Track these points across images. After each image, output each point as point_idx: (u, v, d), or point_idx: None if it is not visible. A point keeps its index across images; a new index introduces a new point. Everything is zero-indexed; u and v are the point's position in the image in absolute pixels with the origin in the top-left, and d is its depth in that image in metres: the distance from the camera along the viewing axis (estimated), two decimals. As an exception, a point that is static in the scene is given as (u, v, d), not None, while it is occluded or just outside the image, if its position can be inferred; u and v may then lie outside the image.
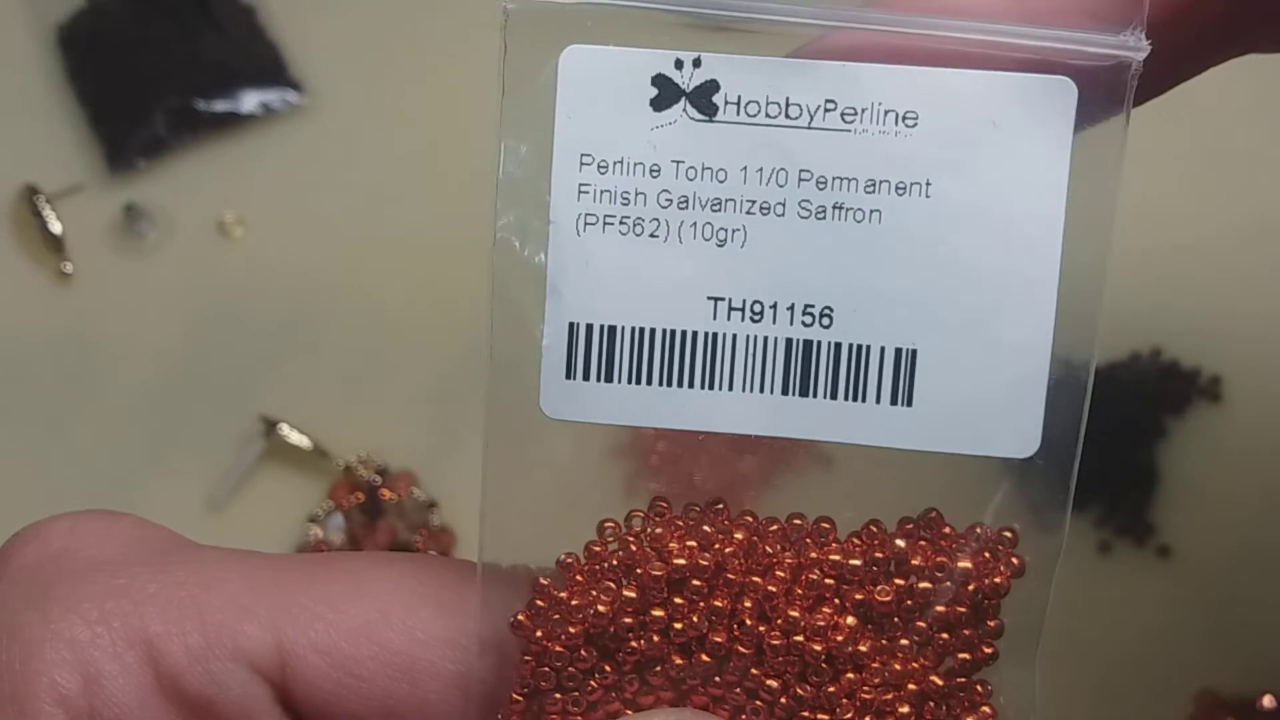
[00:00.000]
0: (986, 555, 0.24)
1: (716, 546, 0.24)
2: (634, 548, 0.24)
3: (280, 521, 0.55)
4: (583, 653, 0.24)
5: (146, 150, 0.60)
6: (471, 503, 0.54)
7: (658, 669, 0.25)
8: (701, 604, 0.24)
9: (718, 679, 0.24)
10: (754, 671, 0.24)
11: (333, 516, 0.55)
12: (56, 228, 0.58)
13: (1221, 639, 0.51)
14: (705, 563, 0.24)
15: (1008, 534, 0.24)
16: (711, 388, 0.24)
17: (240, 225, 0.59)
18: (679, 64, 0.23)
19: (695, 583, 0.24)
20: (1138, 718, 0.51)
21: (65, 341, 0.58)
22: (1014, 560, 0.24)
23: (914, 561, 0.24)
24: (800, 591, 0.24)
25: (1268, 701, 0.49)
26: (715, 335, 0.24)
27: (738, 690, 0.24)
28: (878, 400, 0.24)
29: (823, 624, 0.24)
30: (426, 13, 0.63)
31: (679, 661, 0.24)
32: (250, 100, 0.60)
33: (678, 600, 0.24)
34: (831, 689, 0.24)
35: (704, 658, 0.24)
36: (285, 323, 0.58)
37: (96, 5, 0.62)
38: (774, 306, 0.24)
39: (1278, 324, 0.55)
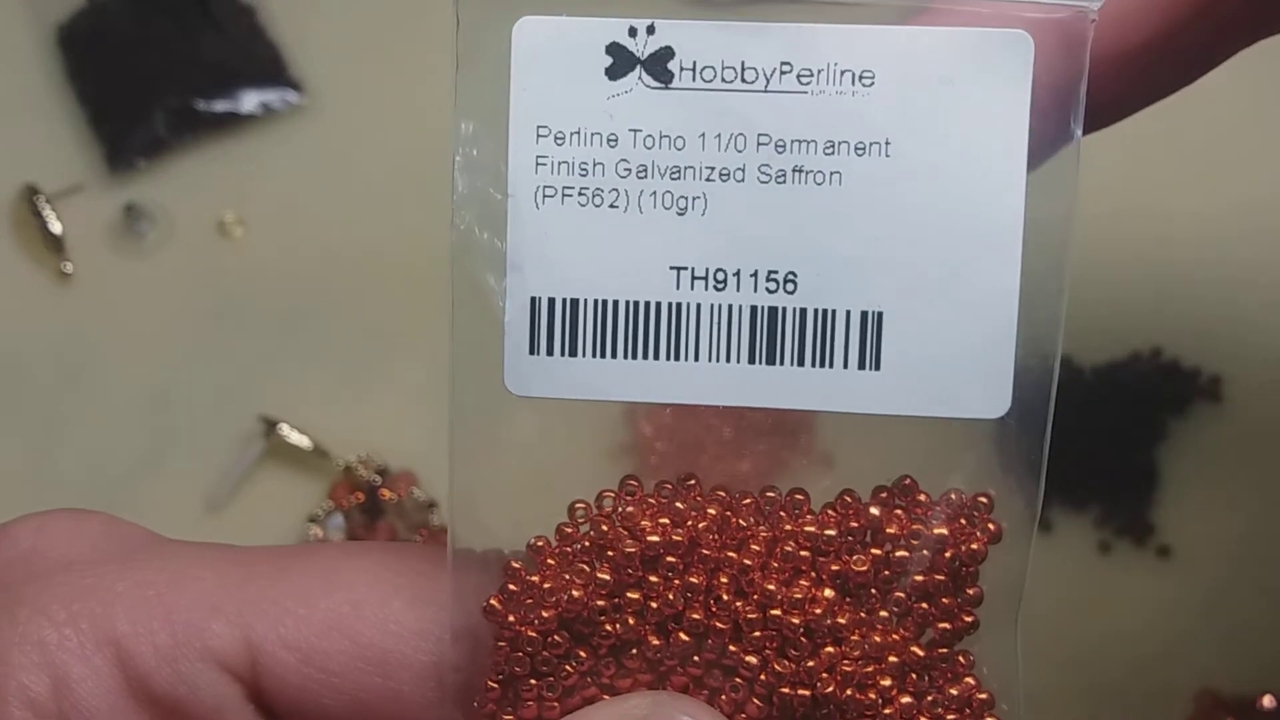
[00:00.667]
0: (962, 521, 0.24)
1: (690, 523, 0.24)
2: (606, 528, 0.24)
3: (280, 521, 0.55)
4: (557, 637, 0.24)
5: (146, 150, 0.60)
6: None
7: (634, 651, 0.24)
8: (677, 581, 0.24)
9: (696, 658, 0.24)
10: (732, 648, 0.24)
11: (333, 516, 0.55)
12: (56, 228, 0.58)
13: (1221, 639, 0.51)
14: (679, 539, 0.24)
15: (983, 499, 0.24)
16: (677, 359, 0.24)
17: (240, 225, 0.59)
18: (633, 31, 0.23)
19: (670, 560, 0.24)
20: (1138, 718, 0.51)
21: (65, 341, 0.58)
22: (990, 526, 0.24)
23: (889, 530, 0.24)
24: (776, 565, 0.24)
25: (1268, 701, 0.49)
26: (679, 305, 0.24)
27: (716, 669, 0.24)
28: (845, 365, 0.24)
29: (800, 597, 0.24)
30: (426, 13, 0.63)
31: (656, 642, 0.24)
32: (250, 100, 0.60)
33: (652, 579, 0.24)
34: (811, 663, 0.24)
35: (682, 636, 0.24)
36: (285, 323, 0.58)
37: (96, 5, 0.62)
38: (737, 274, 0.23)
39: (1278, 324, 0.55)
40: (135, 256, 0.59)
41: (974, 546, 0.24)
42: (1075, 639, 0.51)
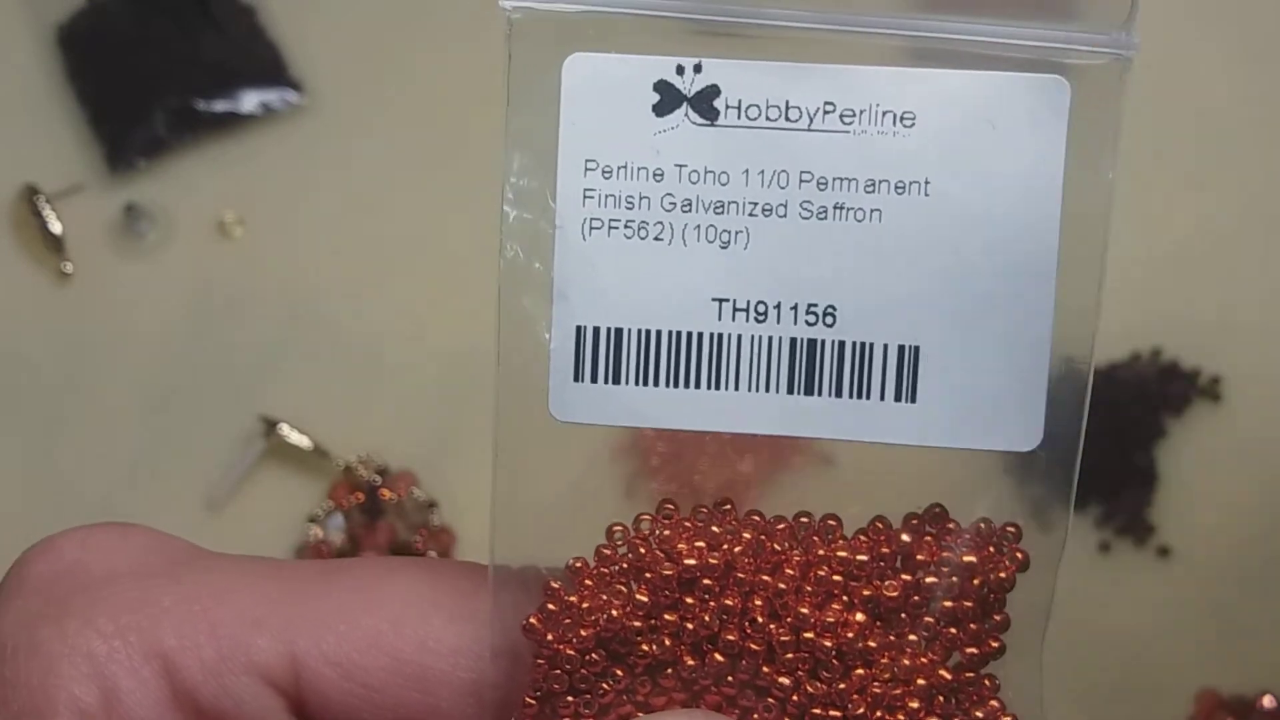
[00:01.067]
0: (990, 549, 0.25)
1: (725, 546, 0.25)
2: (643, 550, 0.25)
3: (280, 521, 0.55)
4: (594, 656, 0.25)
5: (146, 150, 0.60)
6: (471, 503, 0.54)
7: (670, 671, 0.25)
8: (712, 603, 0.24)
9: (730, 678, 0.25)
10: (765, 669, 0.24)
11: (333, 516, 0.55)
12: (56, 228, 0.58)
13: (1221, 639, 0.51)
14: (715, 562, 0.24)
15: (1011, 530, 0.25)
16: (717, 388, 0.24)
17: (240, 225, 0.59)
18: (680, 70, 0.23)
19: (706, 582, 0.24)
20: (1138, 718, 0.51)
21: (65, 341, 0.58)
22: (1018, 555, 0.25)
23: (919, 556, 0.24)
24: (809, 588, 0.24)
25: (1268, 701, 0.49)
26: (720, 336, 0.24)
27: (749, 690, 0.25)
28: (882, 397, 0.24)
29: (832, 620, 0.24)
30: (426, 13, 0.63)
31: (691, 662, 0.25)
32: (250, 100, 0.60)
33: (688, 601, 0.24)
34: (842, 685, 0.24)
35: (717, 657, 0.24)
36: (285, 323, 0.58)
37: (96, 5, 0.62)
38: (778, 306, 0.24)
39: (1278, 324, 0.55)
40: (135, 256, 0.59)
41: (1001, 575, 0.24)
42: (1075, 639, 0.51)
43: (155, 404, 0.57)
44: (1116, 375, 0.55)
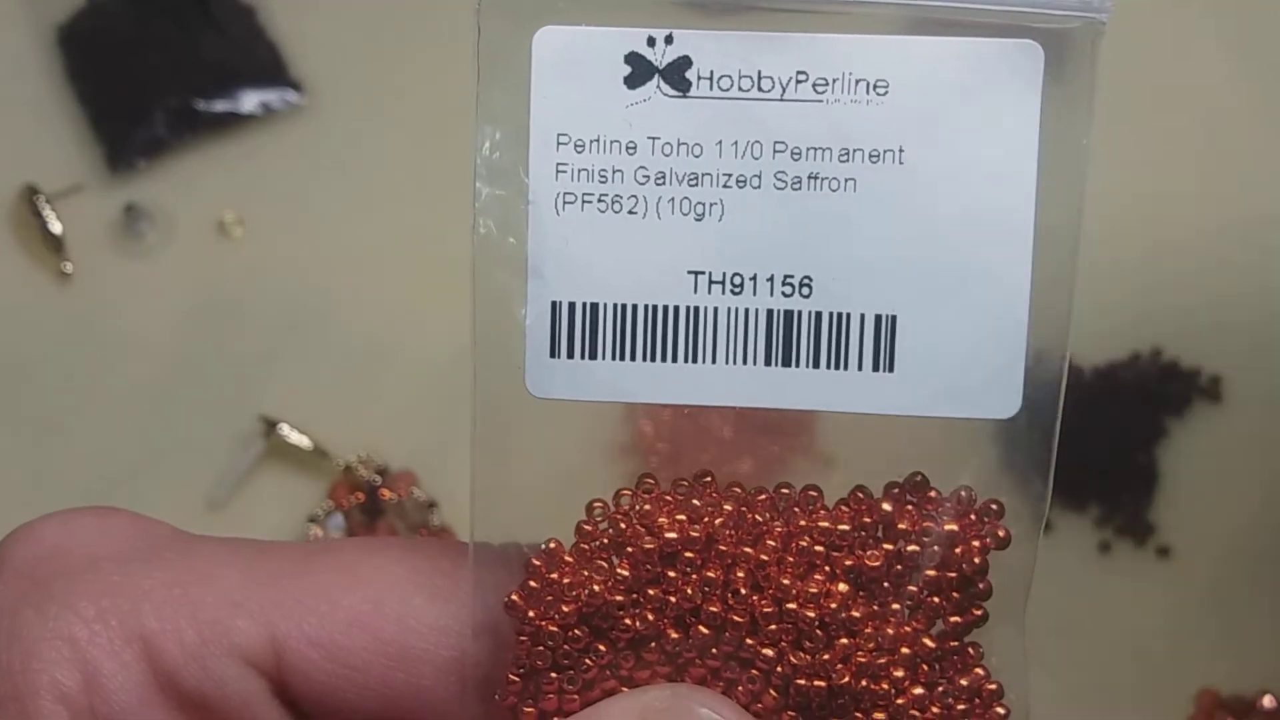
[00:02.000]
0: (972, 517, 0.25)
1: (706, 519, 0.25)
2: (624, 525, 0.25)
3: (280, 521, 0.55)
4: (577, 631, 0.25)
5: (146, 150, 0.60)
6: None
7: (653, 645, 0.25)
8: (694, 576, 0.24)
9: (714, 651, 0.24)
10: (749, 641, 0.24)
11: (333, 516, 0.55)
12: (56, 228, 0.58)
13: (1221, 639, 0.51)
14: (696, 535, 0.24)
15: (994, 506, 0.25)
16: (695, 361, 0.24)
17: (240, 225, 0.59)
18: (651, 41, 0.23)
19: (687, 555, 0.24)
20: (1138, 718, 0.51)
21: (65, 341, 0.58)
22: (999, 533, 0.25)
23: (900, 525, 0.24)
24: (791, 559, 0.25)
25: (1268, 701, 0.49)
26: (696, 309, 0.24)
27: (733, 662, 0.25)
28: (860, 367, 0.24)
29: (815, 591, 0.24)
30: (426, 13, 0.63)
31: (674, 636, 0.25)
32: (250, 100, 0.60)
33: (670, 574, 0.24)
34: (826, 655, 0.24)
35: (700, 630, 0.24)
36: (285, 323, 0.58)
37: (96, 5, 0.62)
38: (754, 279, 0.24)
39: (1278, 324, 0.55)
40: (135, 256, 0.59)
41: (981, 544, 0.24)
42: (1075, 639, 0.51)
43: (155, 404, 0.56)
44: (1116, 375, 0.55)
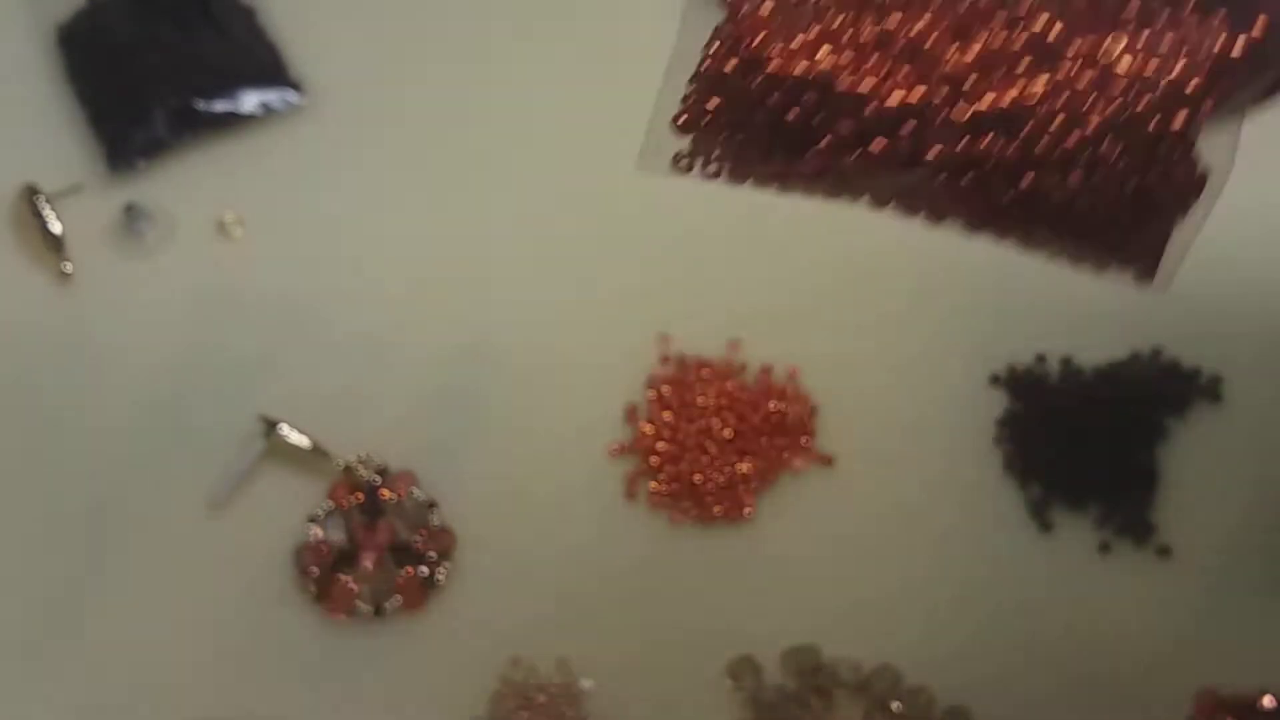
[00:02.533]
0: None
1: None
2: None
3: (280, 521, 0.55)
4: None
5: (146, 150, 0.60)
6: (471, 503, 0.53)
7: None
8: None
9: None
10: None
11: (333, 516, 0.55)
12: (56, 228, 0.58)
13: (1221, 639, 0.51)
14: None
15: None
16: None
17: (240, 225, 0.59)
18: None
19: None
20: (1138, 718, 0.51)
21: (65, 341, 0.58)
22: None
23: None
24: None
25: (1268, 701, 0.49)
26: None
27: None
28: None
29: None
30: (427, 13, 0.63)
31: None
32: (250, 100, 0.60)
33: None
34: None
35: None
36: (285, 323, 0.58)
37: (96, 5, 0.62)
38: None
39: (1278, 324, 0.55)
40: (135, 256, 0.59)
41: None
42: (1075, 639, 0.51)
43: (155, 404, 0.56)
44: (1116, 375, 0.55)
